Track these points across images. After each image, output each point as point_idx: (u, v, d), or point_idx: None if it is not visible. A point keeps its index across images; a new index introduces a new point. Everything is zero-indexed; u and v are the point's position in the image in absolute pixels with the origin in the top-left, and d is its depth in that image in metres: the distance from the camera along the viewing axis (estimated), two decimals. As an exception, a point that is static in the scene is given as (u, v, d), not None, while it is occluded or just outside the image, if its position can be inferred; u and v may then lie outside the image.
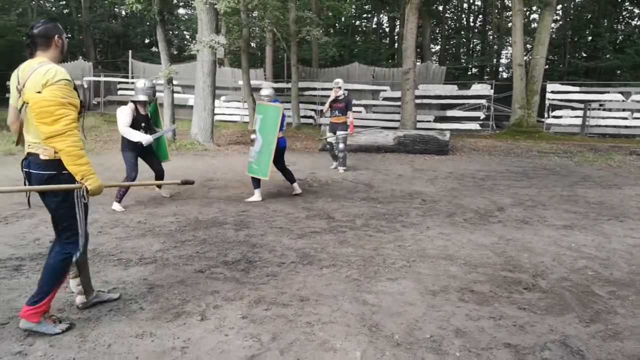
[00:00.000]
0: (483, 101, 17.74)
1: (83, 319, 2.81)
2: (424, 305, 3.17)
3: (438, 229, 4.95)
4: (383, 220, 5.28)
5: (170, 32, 28.98)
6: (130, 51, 21.86)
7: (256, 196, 6.11)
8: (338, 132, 8.39)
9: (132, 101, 5.52)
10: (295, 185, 6.56)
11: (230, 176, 7.81)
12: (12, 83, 2.60)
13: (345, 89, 18.15)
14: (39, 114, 2.42)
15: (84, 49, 26.72)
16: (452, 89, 17.90)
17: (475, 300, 3.26)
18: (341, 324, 2.87)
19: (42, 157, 2.55)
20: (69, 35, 30.01)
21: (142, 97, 5.50)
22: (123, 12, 29.63)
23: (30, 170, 2.60)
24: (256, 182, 6.14)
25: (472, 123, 17.41)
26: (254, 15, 14.85)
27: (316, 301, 3.19)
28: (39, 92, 2.43)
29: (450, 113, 17.78)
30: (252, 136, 6.07)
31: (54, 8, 30.60)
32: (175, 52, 28.47)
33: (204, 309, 3.01)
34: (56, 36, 2.62)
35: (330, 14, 27.79)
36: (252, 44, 26.79)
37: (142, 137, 5.46)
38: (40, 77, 2.44)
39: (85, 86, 20.43)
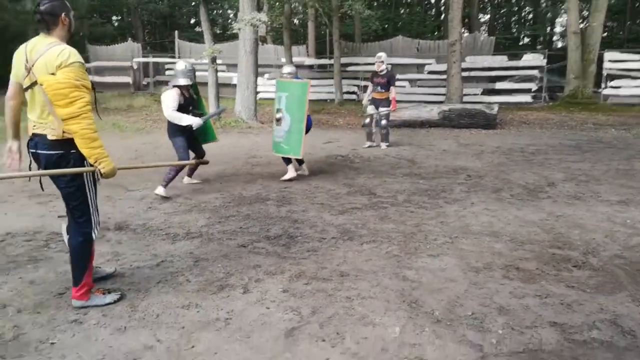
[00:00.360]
0: (535, 72, 16.91)
1: (133, 289, 2.96)
2: (466, 282, 3.12)
3: (483, 205, 4.83)
4: (425, 196, 5.20)
5: (214, 12, 29.27)
6: (176, 31, 22.23)
7: (290, 173, 5.94)
8: (380, 109, 8.22)
9: (175, 85, 5.23)
10: (304, 166, 6.30)
11: (273, 153, 7.87)
12: (19, 59, 2.55)
13: (389, 64, 17.90)
14: (54, 96, 2.39)
15: (133, 30, 27.44)
16: (501, 60, 17.16)
17: (520, 278, 3.17)
18: (380, 300, 2.88)
19: (49, 137, 2.51)
20: (119, 17, 30.89)
21: (183, 81, 5.20)
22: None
23: (38, 151, 2.58)
24: (287, 159, 6.01)
25: (523, 95, 16.66)
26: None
27: (356, 276, 3.20)
28: (52, 74, 2.40)
29: (499, 85, 17.07)
30: (278, 115, 5.80)
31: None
32: (220, 32, 28.76)
33: (247, 282, 3.10)
34: (63, 14, 2.54)
35: (374, -14, 27.12)
36: (295, 21, 26.64)
37: (192, 120, 5.20)
38: (54, 58, 2.40)
39: (135, 67, 21.05)
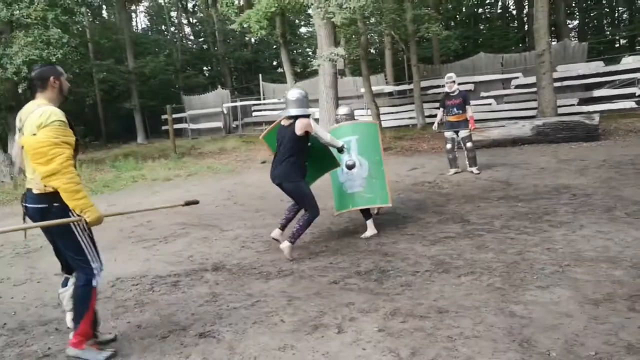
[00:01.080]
0: (637, 75, 15.43)
1: (231, 331, 3.00)
2: (585, 316, 2.79)
3: (594, 227, 4.36)
4: (526, 220, 4.83)
5: (294, 52, 30.53)
6: (260, 75, 23.44)
7: (370, 229, 4.96)
8: (460, 132, 7.72)
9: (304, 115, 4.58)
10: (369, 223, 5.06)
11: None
12: (16, 123, 2.77)
13: (472, 82, 17.36)
14: (34, 155, 2.54)
15: (222, 78, 29.38)
16: (597, 66, 15.92)
17: (649, 310, 2.78)
18: (486, 339, 2.65)
19: (34, 191, 2.66)
20: (209, 68, 33.31)
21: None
22: (252, 40, 32.01)
23: (27, 205, 2.73)
24: (366, 213, 5.05)
25: (626, 101, 15.21)
26: (370, 21, 14.89)
27: (456, 313, 2.99)
28: (34, 135, 2.55)
29: (597, 93, 15.77)
30: (350, 162, 5.00)
31: (194, 46, 34.28)
32: (300, 70, 29.88)
33: (340, 321, 3.02)
34: (52, 77, 2.73)
35: (450, 6, 26.76)
36: (372, 50, 26.96)
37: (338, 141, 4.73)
38: (36, 119, 2.56)
39: (225, 112, 22.41)
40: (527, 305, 2.99)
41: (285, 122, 4.54)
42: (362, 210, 5.04)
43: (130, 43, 22.86)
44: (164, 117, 19.47)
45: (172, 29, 31.85)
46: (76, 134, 2.74)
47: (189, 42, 34.86)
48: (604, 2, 29.68)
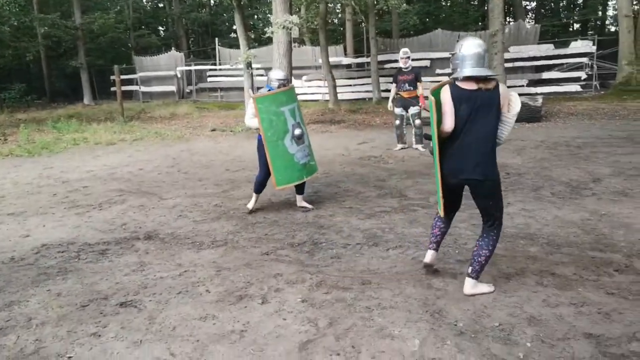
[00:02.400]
0: (584, 59, 16.04)
1: (154, 301, 2.98)
2: (496, 290, 2.94)
3: (520, 205, 4.58)
4: (459, 196, 4.99)
5: (255, 17, 29.67)
6: (216, 39, 22.71)
7: (303, 203, 5.02)
8: (410, 108, 7.78)
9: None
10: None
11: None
12: None
13: (427, 58, 17.51)
14: None
15: (177, 40, 28.29)
16: (547, 49, 16.40)
17: (555, 285, 2.97)
18: (402, 310, 2.76)
19: None
20: (164, 28, 31.94)
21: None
22: (212, 2, 30.83)
23: None
24: (300, 187, 4.97)
25: (572, 85, 15.83)
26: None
27: (378, 285, 3.10)
28: None
29: (546, 75, 16.30)
30: (298, 131, 4.79)
31: (149, 3, 32.67)
32: (262, 36, 29.15)
33: (266, 292, 3.06)
34: None
35: (412, -20, 26.61)
36: (335, 20, 26.56)
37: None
38: None
39: (179, 75, 21.68)
40: (445, 278, 3.13)
41: (470, 86, 2.83)
42: (297, 185, 4.92)
43: (78, -3, 21.52)
44: (113, 77, 18.65)
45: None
46: None
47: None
48: (560, -15, 30.37)
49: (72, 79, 24.21)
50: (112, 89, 21.16)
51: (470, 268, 2.90)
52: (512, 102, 2.87)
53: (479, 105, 2.79)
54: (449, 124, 2.84)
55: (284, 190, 5.22)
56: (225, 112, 16.15)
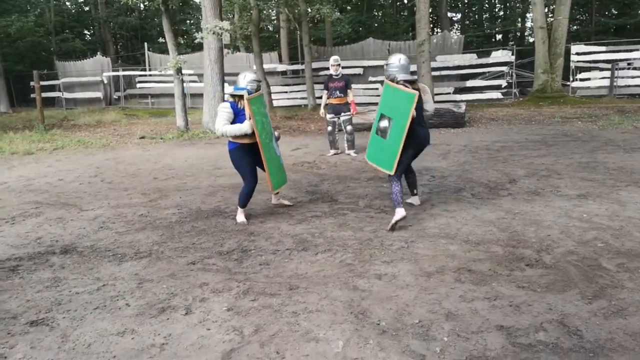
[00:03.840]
0: (504, 68, 17.11)
1: (68, 318, 2.82)
2: (417, 288, 3.05)
3: (443, 206, 4.78)
4: (387, 200, 5.14)
5: (187, 22, 29.02)
6: (145, 44, 22.00)
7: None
8: (342, 115, 7.93)
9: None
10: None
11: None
12: None
13: (360, 66, 17.94)
14: None
15: (104, 44, 27.08)
16: (471, 58, 17.33)
17: (472, 280, 3.12)
18: (328, 312, 2.79)
19: None
20: (90, 32, 30.45)
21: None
22: (141, 6, 29.79)
23: None
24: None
25: (494, 92, 16.83)
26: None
27: (305, 289, 3.11)
28: None
29: (470, 83, 17.23)
30: (276, 133, 4.95)
31: (73, 6, 31.06)
32: (194, 42, 28.52)
33: (190, 302, 2.98)
34: None
35: (345, -10, 27.19)
36: (269, 27, 26.54)
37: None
38: None
39: (105, 81, 20.76)
40: (370, 279, 3.20)
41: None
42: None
43: (-9, -3, 20.10)
44: (33, 83, 17.54)
45: (46, -15, 28.48)
46: None
47: (67, 2, 31.49)
48: (483, -2, 32.23)
49: (-14, 85, 22.47)
50: (32, 95, 19.88)
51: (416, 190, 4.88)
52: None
53: None
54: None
55: (215, 197, 5.12)
56: (155, 119, 15.65)
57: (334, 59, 8.02)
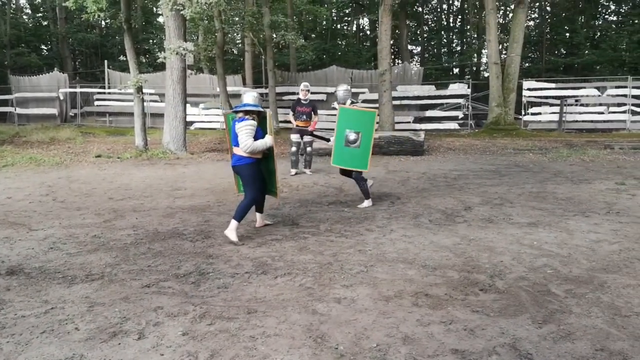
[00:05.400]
0: (461, 100, 17.82)
1: (13, 342, 2.67)
2: (375, 312, 3.07)
3: (402, 232, 4.87)
4: (348, 224, 5.19)
5: (151, 41, 28.76)
6: (105, 61, 21.60)
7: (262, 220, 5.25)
8: (305, 137, 8.53)
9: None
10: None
11: (199, 185, 7.68)
12: None
13: (323, 92, 18.24)
14: None
15: (62, 60, 26.37)
16: (429, 89, 17.95)
17: (428, 305, 3.17)
18: (286, 337, 2.76)
19: None
20: (48, 47, 29.62)
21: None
22: (103, 23, 29.32)
23: None
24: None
25: (451, 122, 17.46)
26: (228, 20, 14.74)
27: (264, 313, 3.07)
28: None
29: (429, 113, 17.81)
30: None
31: (29, 20, 30.23)
32: (156, 61, 28.22)
33: (144, 326, 2.88)
34: None
35: (310, 18, 27.80)
36: (234, 50, 26.65)
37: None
38: None
39: (62, 98, 20.15)
40: (329, 303, 3.20)
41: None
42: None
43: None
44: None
45: (3, -2, 27.67)
46: None
47: (24, 16, 30.64)
48: (442, 33, 33.65)
49: None
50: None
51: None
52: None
53: None
54: None
55: (173, 219, 5.01)
56: (113, 137, 15.27)
57: (304, 84, 8.67)
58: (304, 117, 8.40)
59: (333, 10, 29.45)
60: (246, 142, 4.54)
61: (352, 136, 5.75)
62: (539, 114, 17.19)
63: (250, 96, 4.73)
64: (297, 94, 8.64)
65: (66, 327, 2.86)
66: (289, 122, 8.70)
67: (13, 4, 28.90)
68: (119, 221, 5.40)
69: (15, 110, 20.11)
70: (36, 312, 3.05)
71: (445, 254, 4.14)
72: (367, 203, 6.00)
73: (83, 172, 8.97)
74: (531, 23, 29.47)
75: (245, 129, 4.54)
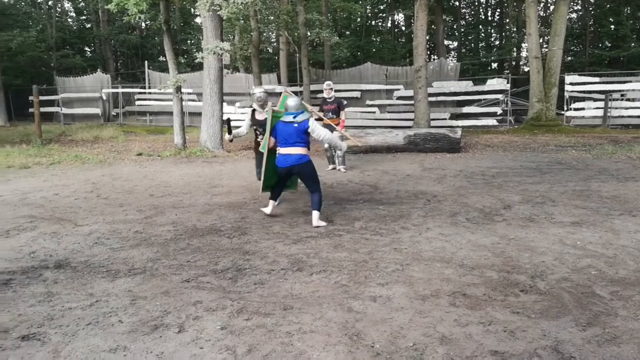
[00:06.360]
0: (500, 96, 17.36)
1: (60, 333, 2.79)
2: (412, 311, 3.05)
3: (438, 230, 4.80)
4: (383, 222, 5.15)
5: (188, 42, 29.37)
6: (146, 62, 22.20)
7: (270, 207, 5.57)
8: (334, 134, 8.40)
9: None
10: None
11: (236, 182, 7.79)
12: None
13: (358, 90, 18.16)
14: None
15: (104, 61, 27.29)
16: (467, 85, 17.57)
17: (466, 305, 3.12)
18: (322, 334, 2.78)
19: None
20: (91, 49, 30.70)
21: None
22: (143, 25, 30.14)
23: None
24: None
25: (489, 119, 17.04)
26: (263, 19, 14.88)
27: (300, 309, 3.10)
28: None
29: (465, 109, 17.45)
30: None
31: (74, 23, 31.41)
32: (194, 61, 28.77)
33: (184, 320, 2.96)
34: None
35: (344, 15, 27.70)
36: (269, 49, 26.90)
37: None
38: None
39: (105, 98, 20.86)
40: (365, 301, 3.19)
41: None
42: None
43: (-6, 12, 20.32)
44: (31, 98, 17.61)
45: (50, 2, 28.83)
46: None
47: (69, 19, 31.84)
48: (480, 27, 32.87)
49: (-16, 98, 22.53)
50: (30, 109, 19.95)
51: None
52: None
53: None
54: None
55: (211, 216, 5.13)
56: (153, 136, 15.70)
57: (326, 83, 8.77)
58: (330, 114, 8.53)
59: (367, 7, 29.25)
60: (327, 135, 5.28)
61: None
62: (582, 109, 16.55)
63: (296, 101, 5.26)
64: (323, 92, 8.74)
65: (110, 320, 2.96)
66: (321, 119, 8.77)
67: (59, 8, 30.13)
68: (159, 217, 5.55)
69: (61, 110, 20.96)
70: (82, 304, 3.19)
71: (483, 254, 4.06)
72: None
73: (125, 169, 9.27)
74: (573, 15, 28.39)
75: (318, 124, 5.21)
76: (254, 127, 6.18)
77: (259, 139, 6.13)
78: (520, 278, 3.53)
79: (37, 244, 4.56)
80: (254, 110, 6.18)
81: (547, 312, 3.00)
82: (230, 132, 5.95)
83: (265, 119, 5.62)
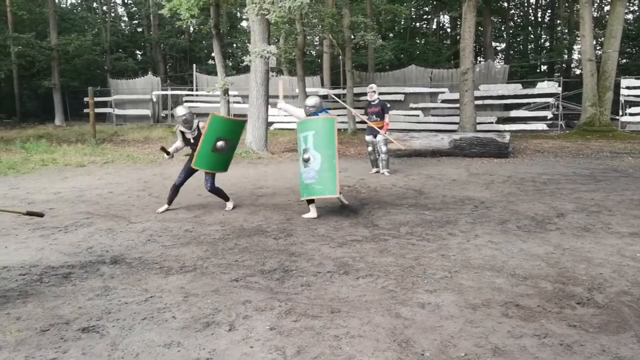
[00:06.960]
0: (550, 100, 16.77)
1: (118, 327, 2.91)
2: (462, 320, 2.98)
3: (487, 237, 4.68)
4: (429, 228, 5.08)
5: (234, 45, 30.00)
6: (194, 65, 22.82)
7: (312, 212, 5.59)
8: (378, 137, 8.56)
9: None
10: (341, 197, 6.11)
11: (281, 184, 7.89)
12: None
13: (401, 93, 17.99)
14: None
15: (154, 64, 28.27)
16: (515, 88, 17.09)
17: (520, 316, 3.03)
18: (370, 339, 2.77)
19: None
20: (141, 52, 31.90)
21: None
22: (191, 29, 31.06)
23: None
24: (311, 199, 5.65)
25: (539, 123, 16.50)
26: (308, 23, 15.00)
27: (347, 313, 3.09)
28: None
29: (514, 113, 16.96)
30: (306, 155, 5.49)
31: (127, 27, 32.72)
32: (240, 64, 29.36)
33: (234, 319, 3.02)
34: None
35: (388, 18, 27.54)
36: (312, 52, 27.12)
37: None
38: None
39: (154, 100, 21.60)
40: (413, 308, 3.16)
41: None
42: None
43: (54, 17, 21.42)
44: (86, 99, 18.47)
45: (104, 7, 30.17)
46: None
47: (122, 23, 33.20)
48: (529, 29, 31.88)
49: (45, 99, 23.82)
50: (85, 110, 20.89)
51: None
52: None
53: None
54: None
55: (257, 216, 5.21)
56: (200, 137, 16.07)
57: (370, 86, 8.81)
58: (374, 117, 8.57)
59: (412, 9, 28.96)
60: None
61: (220, 144, 5.82)
62: (638, 114, 15.75)
63: (316, 101, 5.81)
64: (367, 95, 8.80)
65: (164, 315, 3.06)
66: (365, 122, 8.77)
67: (112, 13, 31.49)
68: (208, 217, 5.69)
69: (113, 111, 21.85)
70: (137, 299, 3.31)
71: (536, 263, 3.93)
72: (229, 205, 6.11)
73: (174, 169, 9.53)
74: (629, 16, 27.08)
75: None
76: (189, 146, 6.04)
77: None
78: (576, 290, 3.39)
79: (93, 239, 4.77)
80: (182, 132, 5.93)
81: (606, 326, 2.87)
82: (168, 154, 6.10)
83: (197, 137, 5.81)
